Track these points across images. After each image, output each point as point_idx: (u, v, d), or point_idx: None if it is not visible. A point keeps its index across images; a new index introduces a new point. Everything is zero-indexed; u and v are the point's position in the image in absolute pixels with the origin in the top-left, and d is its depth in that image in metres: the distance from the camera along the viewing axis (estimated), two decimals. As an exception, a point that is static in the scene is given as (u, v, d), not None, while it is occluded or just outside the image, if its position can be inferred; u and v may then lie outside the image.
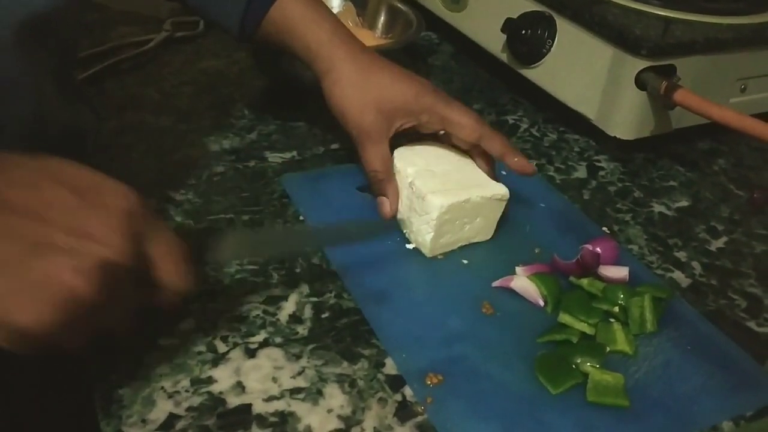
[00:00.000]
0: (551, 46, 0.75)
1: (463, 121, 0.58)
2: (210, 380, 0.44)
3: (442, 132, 0.60)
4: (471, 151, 0.60)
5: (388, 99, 0.57)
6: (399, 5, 0.84)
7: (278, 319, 0.49)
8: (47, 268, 0.33)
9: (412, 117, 0.58)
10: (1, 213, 0.33)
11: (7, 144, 0.37)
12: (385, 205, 0.57)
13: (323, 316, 0.50)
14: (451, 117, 0.58)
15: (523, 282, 0.53)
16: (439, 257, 0.56)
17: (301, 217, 0.59)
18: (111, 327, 0.37)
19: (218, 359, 0.46)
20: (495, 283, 0.54)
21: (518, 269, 0.55)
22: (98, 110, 0.58)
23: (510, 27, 0.77)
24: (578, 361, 0.47)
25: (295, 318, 0.49)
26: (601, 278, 0.54)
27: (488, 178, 0.58)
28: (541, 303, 0.52)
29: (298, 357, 0.46)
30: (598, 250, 0.56)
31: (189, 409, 0.42)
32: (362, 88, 0.58)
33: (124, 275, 0.35)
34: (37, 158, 0.36)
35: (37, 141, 0.46)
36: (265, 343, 0.47)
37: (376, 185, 0.58)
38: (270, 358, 0.46)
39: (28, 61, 0.43)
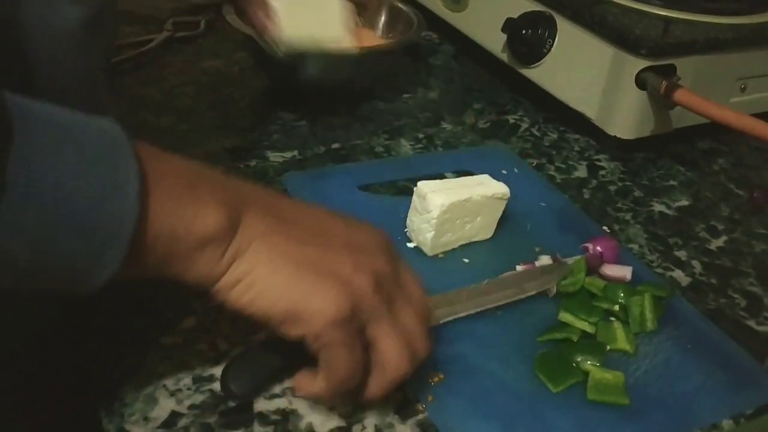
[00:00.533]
0: (551, 46, 0.75)
1: None
2: (212, 378, 0.44)
3: None
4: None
5: None
6: (400, 5, 0.84)
7: (279, 318, 0.49)
8: (334, 266, 0.39)
9: None
10: (290, 224, 0.39)
11: None
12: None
13: (324, 314, 0.50)
14: None
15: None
16: (440, 256, 0.56)
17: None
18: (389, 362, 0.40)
19: (220, 357, 0.46)
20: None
21: (519, 268, 0.55)
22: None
23: (510, 27, 0.77)
24: (579, 359, 0.48)
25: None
26: (602, 277, 0.54)
27: (489, 177, 0.58)
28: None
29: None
30: (599, 249, 0.56)
31: (191, 407, 0.42)
32: None
33: (390, 280, 0.41)
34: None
35: None
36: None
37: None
38: (271, 356, 0.46)
39: (86, 56, 0.43)
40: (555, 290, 0.53)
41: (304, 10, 0.65)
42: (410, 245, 0.57)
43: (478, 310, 0.50)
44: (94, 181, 0.32)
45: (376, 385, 0.41)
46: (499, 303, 0.51)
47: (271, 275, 0.37)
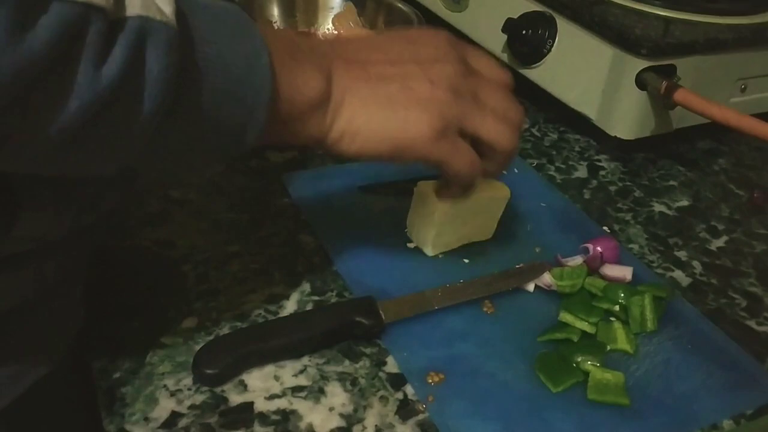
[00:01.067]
0: (552, 46, 0.75)
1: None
2: (212, 378, 0.44)
3: None
4: None
5: None
6: (399, 5, 0.84)
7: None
8: (415, 89, 0.43)
9: None
10: (366, 66, 0.44)
11: None
12: None
13: (325, 314, 0.50)
14: None
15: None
16: (440, 256, 0.56)
17: (302, 216, 0.59)
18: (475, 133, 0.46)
19: (220, 358, 0.46)
20: (496, 282, 0.54)
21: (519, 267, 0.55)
22: None
23: (510, 27, 0.77)
24: (579, 359, 0.48)
25: (297, 317, 0.50)
26: (602, 277, 0.54)
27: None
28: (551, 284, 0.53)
29: (299, 356, 0.47)
30: (599, 249, 0.56)
31: (191, 407, 0.42)
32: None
33: (467, 79, 0.45)
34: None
35: None
36: (266, 342, 0.47)
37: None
38: (272, 356, 0.46)
39: None
40: (534, 286, 0.53)
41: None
42: (410, 245, 0.57)
43: (449, 304, 0.51)
44: (240, 53, 0.36)
45: (495, 166, 0.49)
46: (473, 297, 0.52)
47: (368, 122, 0.43)
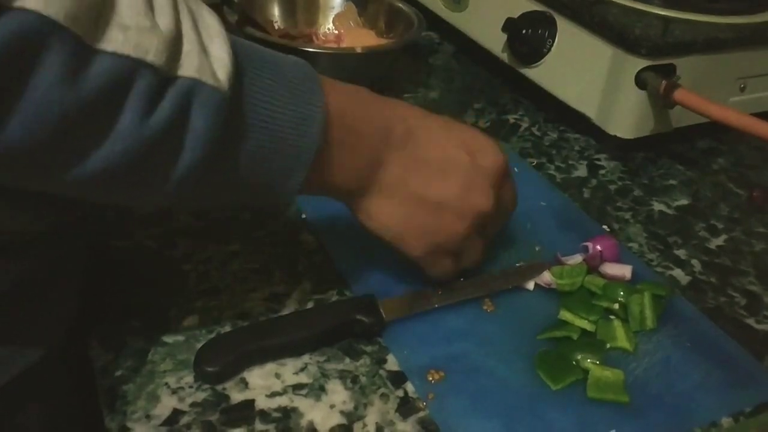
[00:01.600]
0: (551, 46, 0.76)
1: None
2: (213, 376, 0.45)
3: None
4: None
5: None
6: (400, 5, 0.84)
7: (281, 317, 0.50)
8: (441, 220, 0.47)
9: None
10: (419, 171, 0.46)
11: None
12: None
13: (325, 313, 0.50)
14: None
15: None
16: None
17: (303, 215, 0.59)
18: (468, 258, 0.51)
19: (221, 356, 0.46)
20: (496, 280, 0.54)
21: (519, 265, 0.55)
22: None
23: (510, 27, 0.77)
24: (578, 357, 0.48)
25: (298, 315, 0.50)
26: (602, 275, 0.55)
27: None
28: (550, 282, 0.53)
29: (300, 354, 0.47)
30: (599, 248, 0.56)
31: (193, 404, 0.43)
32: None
33: (490, 215, 0.48)
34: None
35: None
36: (267, 340, 0.47)
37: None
38: (273, 354, 0.47)
39: None
40: (534, 285, 0.54)
41: None
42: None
43: (449, 302, 0.51)
44: (293, 111, 0.38)
45: (460, 265, 0.51)
46: (474, 296, 0.52)
47: (389, 217, 0.46)
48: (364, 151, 0.44)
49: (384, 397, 0.45)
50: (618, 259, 0.57)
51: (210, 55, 0.34)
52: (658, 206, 0.68)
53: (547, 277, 0.54)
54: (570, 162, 0.73)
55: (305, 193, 0.43)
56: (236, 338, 0.46)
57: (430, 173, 0.46)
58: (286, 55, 0.40)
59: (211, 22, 0.35)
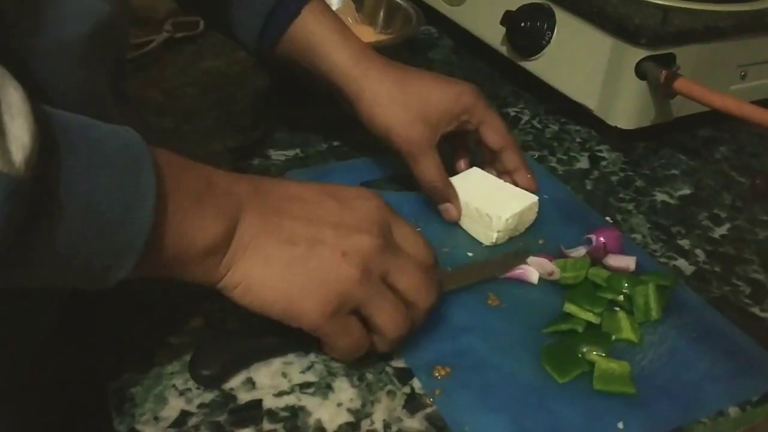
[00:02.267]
0: (551, 38, 0.76)
1: (498, 127, 0.60)
2: (220, 377, 0.45)
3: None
4: (486, 159, 0.62)
5: (431, 107, 0.58)
6: (398, 0, 0.84)
7: (286, 316, 0.50)
8: (322, 258, 0.41)
9: (454, 119, 0.59)
10: (281, 219, 0.42)
11: None
12: (451, 210, 0.58)
13: (330, 311, 0.50)
14: (487, 119, 0.60)
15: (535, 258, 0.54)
16: (445, 250, 0.56)
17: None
18: (384, 324, 0.44)
19: (228, 356, 0.46)
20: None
21: (527, 260, 0.55)
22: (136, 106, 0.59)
23: (509, 19, 0.77)
24: (584, 350, 0.48)
25: (303, 314, 0.50)
26: (606, 267, 0.55)
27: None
28: (555, 275, 0.53)
29: (306, 352, 0.47)
30: (602, 239, 0.56)
31: (200, 405, 0.43)
32: (404, 102, 0.57)
33: (383, 257, 0.43)
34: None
35: None
36: (273, 340, 0.48)
37: (438, 194, 0.58)
38: (279, 353, 0.47)
39: (94, 74, 0.44)
40: (538, 278, 0.54)
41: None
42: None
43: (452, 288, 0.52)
44: (119, 196, 0.34)
45: (381, 347, 0.45)
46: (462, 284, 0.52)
47: (263, 282, 0.41)
48: (212, 220, 0.39)
49: (391, 394, 0.45)
50: (621, 251, 0.57)
51: (7, 135, 0.30)
52: (660, 196, 0.68)
53: (549, 266, 0.54)
54: (571, 154, 0.73)
55: (152, 276, 0.39)
56: (230, 341, 0.46)
57: (294, 221, 0.42)
58: (120, 131, 0.36)
59: (14, 100, 0.31)
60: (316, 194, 0.44)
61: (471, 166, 0.63)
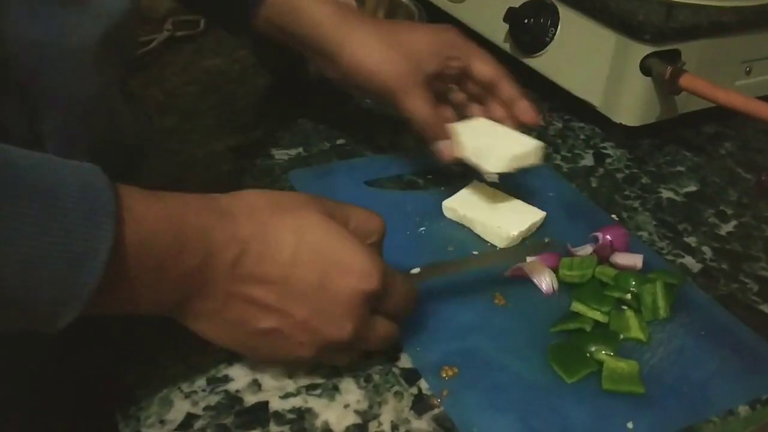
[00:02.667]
0: (554, 35, 0.75)
1: (487, 58, 0.60)
2: (226, 379, 0.44)
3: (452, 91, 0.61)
4: (494, 79, 0.61)
5: (414, 45, 0.57)
6: (400, -3, 0.83)
7: (291, 316, 0.49)
8: (273, 350, 0.41)
9: (439, 56, 0.58)
10: (240, 303, 0.39)
11: (88, 160, 0.38)
12: (447, 146, 0.57)
13: (336, 311, 0.50)
14: (474, 50, 0.60)
15: (535, 267, 0.53)
16: (450, 249, 0.56)
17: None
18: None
19: (233, 358, 0.46)
20: (506, 273, 0.54)
21: (529, 259, 0.55)
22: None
23: (512, 16, 0.77)
24: (592, 349, 0.47)
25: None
26: (612, 265, 0.54)
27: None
28: (551, 290, 0.52)
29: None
30: (609, 237, 0.56)
31: (206, 408, 0.42)
32: (385, 43, 0.57)
33: (351, 337, 0.41)
34: (302, 227, 0.41)
35: (111, 155, 0.46)
36: (279, 341, 0.47)
37: (431, 131, 0.57)
38: (285, 355, 0.46)
39: (104, 75, 0.43)
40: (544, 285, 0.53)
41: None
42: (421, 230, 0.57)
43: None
44: (69, 249, 0.32)
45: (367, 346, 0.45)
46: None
47: (218, 339, 0.41)
48: (170, 286, 0.37)
49: (398, 395, 0.44)
50: (628, 249, 0.56)
51: None
52: (666, 193, 0.67)
53: (547, 281, 0.53)
54: (576, 151, 0.72)
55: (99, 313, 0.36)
56: None
57: (257, 306, 0.40)
58: (83, 174, 0.34)
59: None
60: (302, 262, 0.40)
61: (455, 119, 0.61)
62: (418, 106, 0.56)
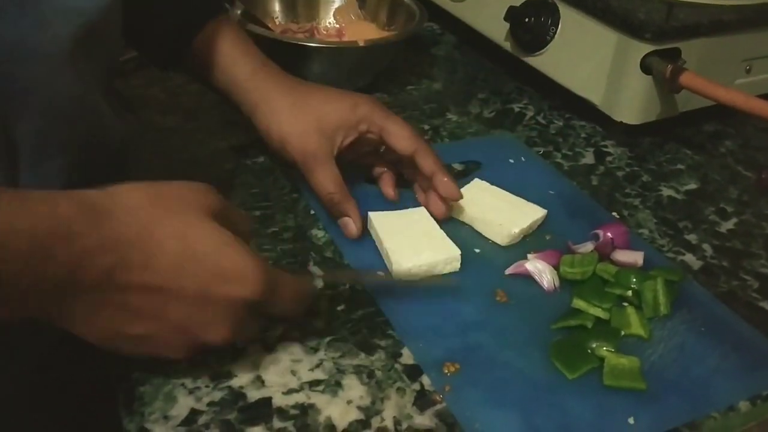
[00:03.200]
0: (555, 33, 0.75)
1: (400, 132, 0.57)
2: (229, 375, 0.45)
3: (382, 148, 0.60)
4: (413, 153, 0.58)
5: (327, 118, 0.56)
6: (401, -3, 0.84)
7: (294, 313, 0.50)
8: (143, 350, 0.41)
9: (351, 130, 0.57)
10: (112, 309, 0.38)
11: (68, 162, 0.37)
12: (350, 225, 0.56)
13: (339, 308, 0.50)
14: (388, 126, 0.57)
15: (536, 264, 0.53)
16: (451, 247, 0.56)
17: (312, 211, 0.59)
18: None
19: (237, 354, 0.46)
20: (508, 270, 0.54)
21: (530, 256, 0.55)
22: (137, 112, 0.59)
23: (513, 15, 0.77)
24: (593, 345, 0.48)
25: (311, 311, 0.50)
26: (613, 263, 0.54)
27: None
28: (553, 288, 0.53)
29: (315, 350, 0.47)
30: (610, 235, 0.56)
31: (210, 404, 0.43)
32: (299, 113, 0.57)
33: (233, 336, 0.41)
34: (189, 229, 0.39)
35: (96, 156, 0.46)
36: (282, 337, 0.47)
37: (335, 207, 0.56)
38: (288, 351, 0.47)
39: (83, 76, 0.43)
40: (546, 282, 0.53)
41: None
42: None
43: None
44: None
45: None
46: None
47: (96, 339, 0.39)
48: (34, 293, 0.35)
49: (400, 390, 0.45)
50: (629, 246, 0.56)
51: None
52: (666, 191, 0.67)
53: (548, 278, 0.53)
54: (577, 150, 0.72)
55: None
56: None
57: (130, 312, 0.38)
58: None
59: None
60: (185, 272, 0.38)
61: (388, 173, 0.62)
62: (325, 181, 0.56)
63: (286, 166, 0.61)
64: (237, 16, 0.74)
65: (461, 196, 0.57)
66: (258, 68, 0.59)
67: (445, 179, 0.57)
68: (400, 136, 0.57)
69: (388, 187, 0.61)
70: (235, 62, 0.59)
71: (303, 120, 0.56)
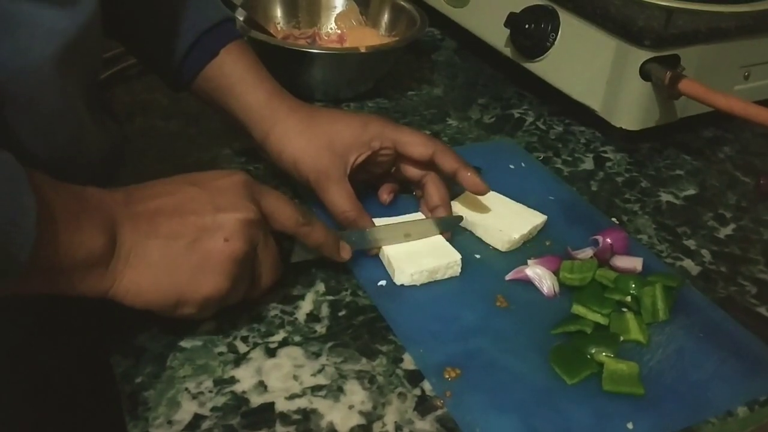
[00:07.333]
0: (555, 40, 0.76)
1: (415, 139, 0.58)
2: (233, 380, 0.45)
3: (393, 169, 0.61)
4: (423, 178, 0.59)
5: (339, 137, 0.57)
6: (402, 3, 0.84)
7: (296, 319, 0.50)
8: (207, 248, 0.44)
9: (364, 147, 0.57)
10: (155, 221, 0.43)
11: (49, 173, 0.38)
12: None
13: (340, 314, 0.51)
14: (401, 137, 0.58)
15: (536, 270, 0.54)
16: (452, 252, 0.57)
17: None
18: (264, 275, 0.49)
19: (240, 359, 0.46)
20: (508, 276, 0.54)
21: (530, 262, 0.55)
22: (116, 113, 0.59)
23: (513, 21, 0.77)
24: (593, 351, 0.48)
25: (313, 317, 0.50)
26: (613, 268, 0.55)
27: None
28: (552, 293, 0.53)
29: (317, 355, 0.47)
30: (609, 240, 0.56)
31: (213, 409, 0.43)
32: (312, 135, 0.57)
33: (259, 225, 0.47)
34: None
35: (77, 167, 0.47)
36: (284, 343, 0.48)
37: (351, 225, 0.56)
38: (290, 356, 0.47)
39: (65, 89, 0.43)
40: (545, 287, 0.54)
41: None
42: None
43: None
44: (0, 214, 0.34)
45: (256, 293, 0.49)
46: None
47: (154, 284, 0.43)
48: (90, 234, 0.40)
49: (402, 396, 0.45)
50: (628, 252, 0.57)
51: None
52: (665, 197, 0.68)
53: (548, 284, 0.54)
54: (576, 155, 0.73)
55: (37, 292, 0.40)
56: None
57: (169, 219, 0.44)
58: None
59: None
60: (181, 186, 0.46)
61: (396, 194, 0.62)
62: (339, 200, 0.56)
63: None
64: (240, 22, 0.75)
65: (488, 189, 0.58)
66: (270, 96, 0.59)
67: (469, 174, 0.58)
68: (416, 143, 0.58)
69: (384, 193, 0.62)
70: (248, 90, 0.59)
71: (316, 140, 0.57)
